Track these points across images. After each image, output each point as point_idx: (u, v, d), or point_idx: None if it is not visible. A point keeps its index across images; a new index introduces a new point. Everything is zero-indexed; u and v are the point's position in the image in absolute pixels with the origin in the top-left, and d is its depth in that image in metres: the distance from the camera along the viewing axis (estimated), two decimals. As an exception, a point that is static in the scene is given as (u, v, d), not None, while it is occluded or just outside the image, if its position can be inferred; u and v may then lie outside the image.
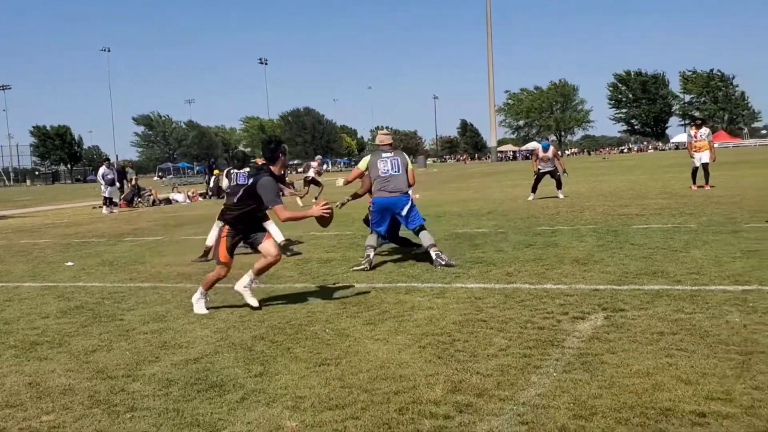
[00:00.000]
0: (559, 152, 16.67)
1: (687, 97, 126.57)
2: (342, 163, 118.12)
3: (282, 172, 6.79)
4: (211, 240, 9.97)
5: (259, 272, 6.55)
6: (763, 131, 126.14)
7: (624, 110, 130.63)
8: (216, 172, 35.67)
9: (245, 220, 6.43)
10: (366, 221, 9.46)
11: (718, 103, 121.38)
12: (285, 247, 9.46)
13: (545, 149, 17.63)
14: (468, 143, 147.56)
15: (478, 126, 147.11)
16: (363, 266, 8.25)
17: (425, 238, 8.44)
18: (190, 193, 29.86)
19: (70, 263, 10.20)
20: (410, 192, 8.86)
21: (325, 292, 7.05)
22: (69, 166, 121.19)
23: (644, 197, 16.09)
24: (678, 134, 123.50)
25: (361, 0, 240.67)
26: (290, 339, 5.31)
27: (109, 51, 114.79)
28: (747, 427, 3.21)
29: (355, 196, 9.19)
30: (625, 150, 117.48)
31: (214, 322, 5.99)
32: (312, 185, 22.74)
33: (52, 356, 5.15)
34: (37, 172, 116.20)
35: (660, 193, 17.10)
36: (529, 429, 3.34)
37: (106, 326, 6.05)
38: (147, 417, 3.79)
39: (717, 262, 7.31)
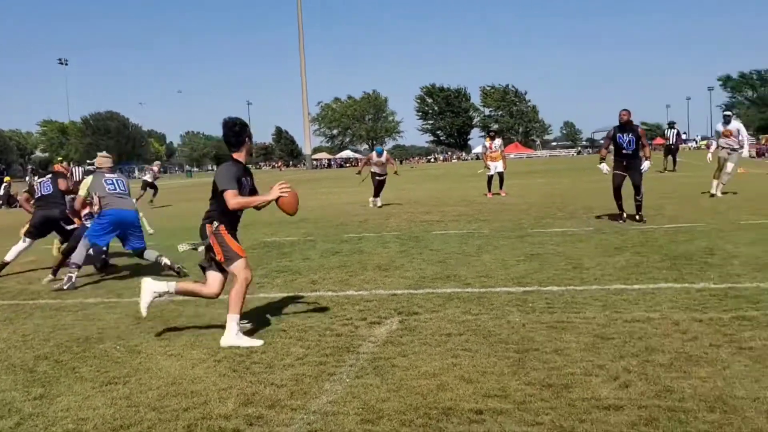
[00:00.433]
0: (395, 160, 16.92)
1: (487, 111, 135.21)
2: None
3: (247, 161, 5.75)
4: (11, 255, 9.16)
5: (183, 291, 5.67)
6: (553, 143, 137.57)
7: (431, 122, 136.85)
8: (7, 179, 32.81)
9: (235, 213, 5.53)
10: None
11: (513, 116, 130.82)
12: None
13: (379, 154, 17.71)
14: (283, 150, 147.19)
15: (294, 133, 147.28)
16: (66, 284, 7.97)
17: (150, 254, 8.52)
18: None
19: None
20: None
21: (119, 307, 6.71)
22: None
23: (445, 204, 16.92)
24: (479, 145, 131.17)
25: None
26: (77, 358, 5.00)
27: None
28: (518, 422, 3.46)
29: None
30: (432, 160, 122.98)
31: (-11, 344, 5.49)
32: (149, 189, 23.86)
33: None
34: None
35: (459, 201, 18.06)
36: (318, 436, 3.38)
37: None
38: None
39: (504, 265, 7.85)
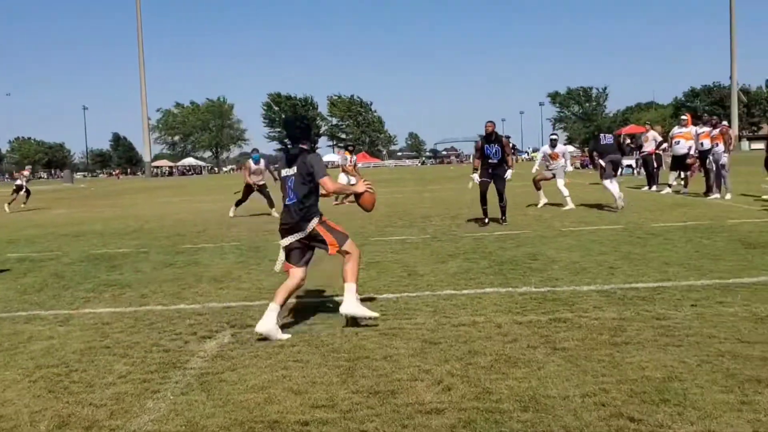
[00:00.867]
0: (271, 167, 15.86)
1: (334, 120, 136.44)
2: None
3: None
4: None
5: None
6: (399, 153, 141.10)
7: (278, 129, 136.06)
8: None
9: None
10: None
11: (360, 126, 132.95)
12: None
13: (256, 162, 17.06)
14: (122, 157, 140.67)
15: (132, 140, 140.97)
16: None
17: None
18: None
19: None
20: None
21: None
22: None
23: (255, 214, 16.69)
24: (327, 154, 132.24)
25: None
26: None
27: None
28: (343, 431, 3.48)
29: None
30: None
31: None
32: (21, 192, 24.21)
33: None
34: None
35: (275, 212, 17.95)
36: (135, 459, 3.23)
37: None
38: None
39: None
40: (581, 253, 8.62)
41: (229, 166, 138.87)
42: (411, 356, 4.64)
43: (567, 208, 14.91)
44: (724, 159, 16.20)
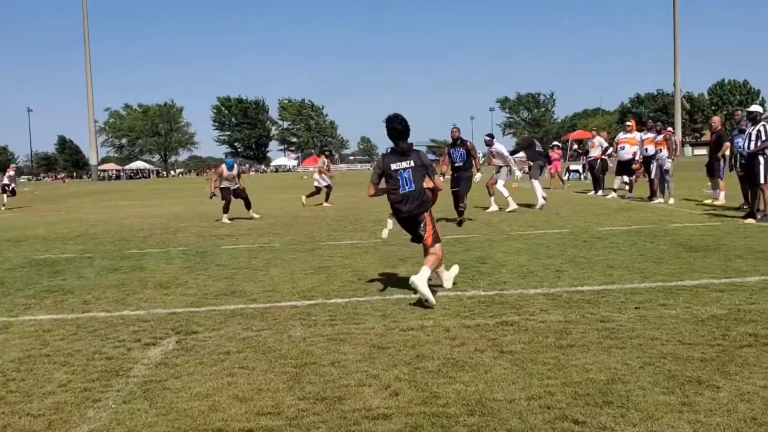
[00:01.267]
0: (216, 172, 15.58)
1: (285, 124, 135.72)
2: None
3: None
4: None
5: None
6: (351, 157, 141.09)
7: (227, 133, 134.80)
8: None
9: None
10: None
11: (311, 130, 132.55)
12: None
13: (230, 167, 16.66)
14: (68, 161, 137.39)
15: (79, 143, 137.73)
16: None
17: None
18: None
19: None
20: None
21: None
22: None
23: (236, 217, 16.56)
24: (278, 158, 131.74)
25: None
26: None
27: None
28: (288, 437, 3.44)
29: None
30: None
31: None
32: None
33: None
34: None
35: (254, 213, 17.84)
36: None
37: None
38: None
39: (291, 279, 7.85)
40: (529, 257, 8.72)
41: (179, 170, 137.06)
42: (359, 361, 4.62)
43: (510, 209, 15.20)
44: (668, 164, 16.61)
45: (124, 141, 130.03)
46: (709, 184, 17.37)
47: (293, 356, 4.80)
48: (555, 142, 33.60)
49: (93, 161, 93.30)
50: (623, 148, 18.68)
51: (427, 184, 6.71)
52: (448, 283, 6.94)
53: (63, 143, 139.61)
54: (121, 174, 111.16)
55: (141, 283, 7.95)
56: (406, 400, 3.85)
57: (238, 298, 6.92)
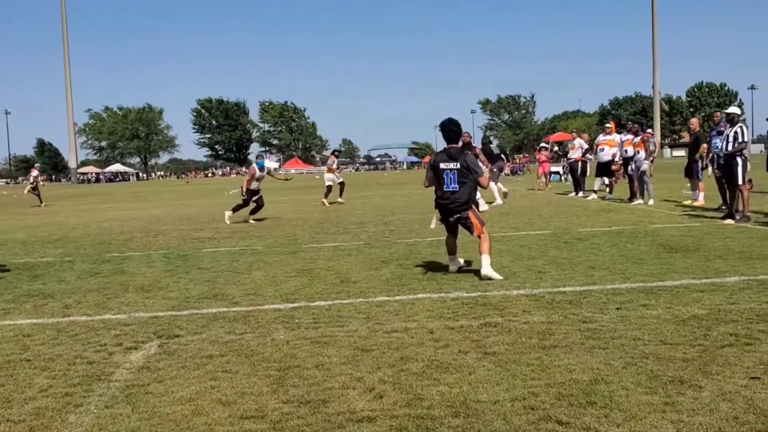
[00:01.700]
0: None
1: (266, 126, 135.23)
2: None
3: None
4: None
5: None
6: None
7: (208, 135, 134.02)
8: None
9: None
10: None
11: (293, 132, 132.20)
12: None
13: (261, 168, 16.48)
14: (47, 164, 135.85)
15: (58, 145, 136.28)
16: None
17: None
18: None
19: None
20: None
21: None
22: None
23: (219, 221, 16.46)
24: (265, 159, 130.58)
25: None
26: None
27: None
28: (273, 441, 3.42)
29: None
30: (210, 174, 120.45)
31: None
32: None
33: None
34: None
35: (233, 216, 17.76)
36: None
37: None
38: None
39: (274, 281, 7.81)
40: (511, 258, 8.76)
41: (159, 173, 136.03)
42: (343, 364, 4.61)
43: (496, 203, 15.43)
44: (645, 166, 16.76)
45: (103, 144, 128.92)
46: (689, 185, 17.55)
47: (276, 359, 4.78)
48: (543, 144, 33.48)
49: (72, 164, 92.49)
50: (603, 149, 18.84)
51: (482, 185, 8.11)
52: (454, 267, 7.95)
53: (42, 146, 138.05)
54: (101, 177, 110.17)
55: (122, 287, 7.88)
56: (390, 403, 3.85)
57: (221, 301, 6.88)
